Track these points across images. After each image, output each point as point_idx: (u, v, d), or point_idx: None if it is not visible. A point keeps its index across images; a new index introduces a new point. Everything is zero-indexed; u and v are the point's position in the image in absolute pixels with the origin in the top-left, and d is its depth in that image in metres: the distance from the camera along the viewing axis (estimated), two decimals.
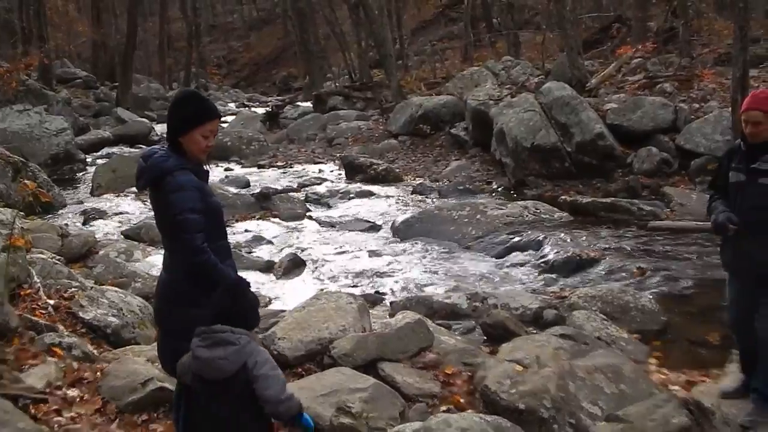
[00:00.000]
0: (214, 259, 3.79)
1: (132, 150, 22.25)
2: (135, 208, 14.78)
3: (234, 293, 3.60)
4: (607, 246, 11.04)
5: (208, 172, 4.08)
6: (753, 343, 5.53)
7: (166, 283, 4.02)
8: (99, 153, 22.48)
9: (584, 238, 11.45)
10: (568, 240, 11.32)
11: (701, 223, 9.98)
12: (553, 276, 10.16)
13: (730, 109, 14.40)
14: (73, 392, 5.64)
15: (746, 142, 5.36)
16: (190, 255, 3.78)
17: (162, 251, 4.41)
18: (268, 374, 3.44)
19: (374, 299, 9.12)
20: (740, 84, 14.52)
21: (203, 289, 3.74)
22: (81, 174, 19.12)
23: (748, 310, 5.49)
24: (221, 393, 3.43)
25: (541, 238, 11.44)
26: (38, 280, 7.33)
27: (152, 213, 4.04)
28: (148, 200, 4.08)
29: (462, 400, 5.88)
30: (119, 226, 13.31)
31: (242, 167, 20.26)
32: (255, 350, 3.50)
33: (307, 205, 15.13)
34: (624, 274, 9.93)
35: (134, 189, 15.67)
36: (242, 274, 3.93)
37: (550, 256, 10.75)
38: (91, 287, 7.84)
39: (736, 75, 15.82)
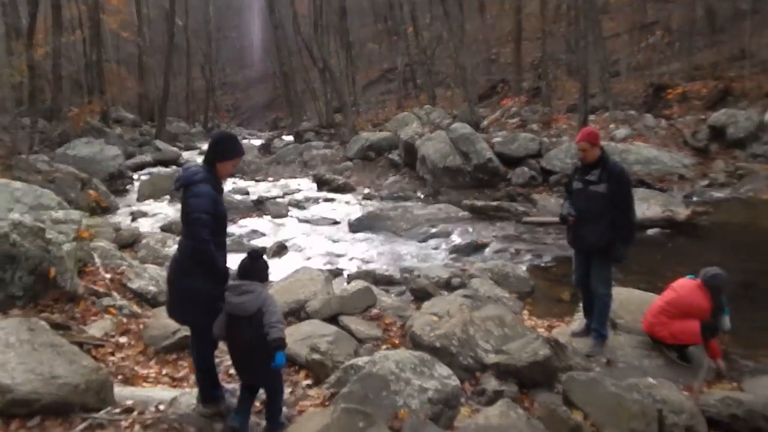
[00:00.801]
0: (212, 248, 3.77)
1: (166, 169, 21.74)
2: (168, 210, 14.45)
3: (255, 259, 3.84)
4: (494, 234, 11.18)
5: (223, 188, 4.03)
6: (591, 296, 5.66)
7: (177, 260, 3.96)
8: (142, 171, 21.91)
9: (479, 229, 11.57)
10: (469, 231, 11.43)
11: (556, 218, 10.21)
12: (459, 255, 10.26)
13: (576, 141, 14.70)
14: (123, 339, 5.55)
15: (583, 163, 5.51)
16: (196, 243, 3.74)
17: None
18: (272, 310, 3.67)
19: (336, 272, 9.07)
20: (583, 125, 14.84)
21: (201, 267, 3.78)
22: (129, 186, 18.60)
23: (585, 274, 5.63)
24: (248, 324, 3.67)
25: (450, 229, 11.54)
26: (98, 261, 7.17)
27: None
28: (179, 201, 4.03)
29: (397, 341, 5.90)
30: (157, 223, 13.03)
31: (244, 181, 19.93)
32: (266, 296, 3.74)
33: (289, 207, 14.95)
34: (506, 253, 10.08)
35: (168, 196, 15.39)
36: (242, 256, 3.90)
37: (456, 242, 10.86)
38: (137, 265, 7.67)
39: (580, 119, 16.21)
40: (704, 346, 5.39)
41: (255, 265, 3.83)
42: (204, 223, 3.73)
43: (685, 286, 5.51)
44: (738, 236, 10.54)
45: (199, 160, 4.08)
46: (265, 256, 3.97)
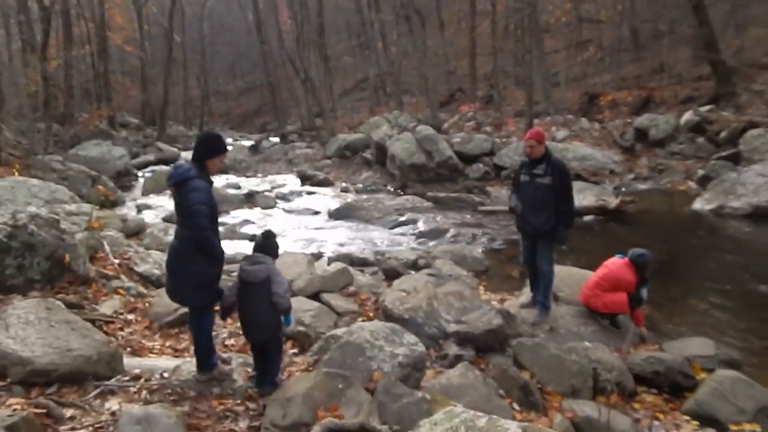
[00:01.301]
0: (211, 234, 3.74)
1: (167, 167, 21.20)
2: (169, 203, 14.15)
3: (268, 237, 3.99)
4: (454, 221, 11.22)
5: (213, 182, 3.95)
6: (536, 273, 5.72)
7: (176, 247, 3.88)
8: (146, 169, 21.41)
9: (441, 217, 11.60)
10: (432, 218, 11.46)
11: (507, 207, 10.30)
12: (424, 239, 10.27)
13: (523, 141, 14.81)
14: (130, 316, 5.46)
15: (530, 158, 5.55)
16: (198, 231, 3.68)
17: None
18: (279, 281, 3.79)
19: (317, 255, 8.98)
20: (529, 127, 14.91)
21: (202, 252, 3.74)
22: (134, 182, 18.19)
23: (532, 254, 5.69)
24: (258, 289, 3.76)
25: (416, 217, 11.54)
26: (108, 248, 7.02)
27: None
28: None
29: (371, 314, 5.90)
30: (159, 214, 12.81)
31: (236, 177, 19.60)
32: (274, 268, 3.84)
33: (276, 199, 14.81)
34: (464, 237, 10.12)
35: (169, 191, 15.08)
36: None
37: (422, 228, 10.87)
38: (142, 251, 7.52)
39: (526, 122, 16.33)
40: (631, 315, 5.50)
41: (267, 243, 3.94)
42: (203, 213, 3.67)
43: (615, 263, 5.61)
44: (659, 221, 10.76)
45: None
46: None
